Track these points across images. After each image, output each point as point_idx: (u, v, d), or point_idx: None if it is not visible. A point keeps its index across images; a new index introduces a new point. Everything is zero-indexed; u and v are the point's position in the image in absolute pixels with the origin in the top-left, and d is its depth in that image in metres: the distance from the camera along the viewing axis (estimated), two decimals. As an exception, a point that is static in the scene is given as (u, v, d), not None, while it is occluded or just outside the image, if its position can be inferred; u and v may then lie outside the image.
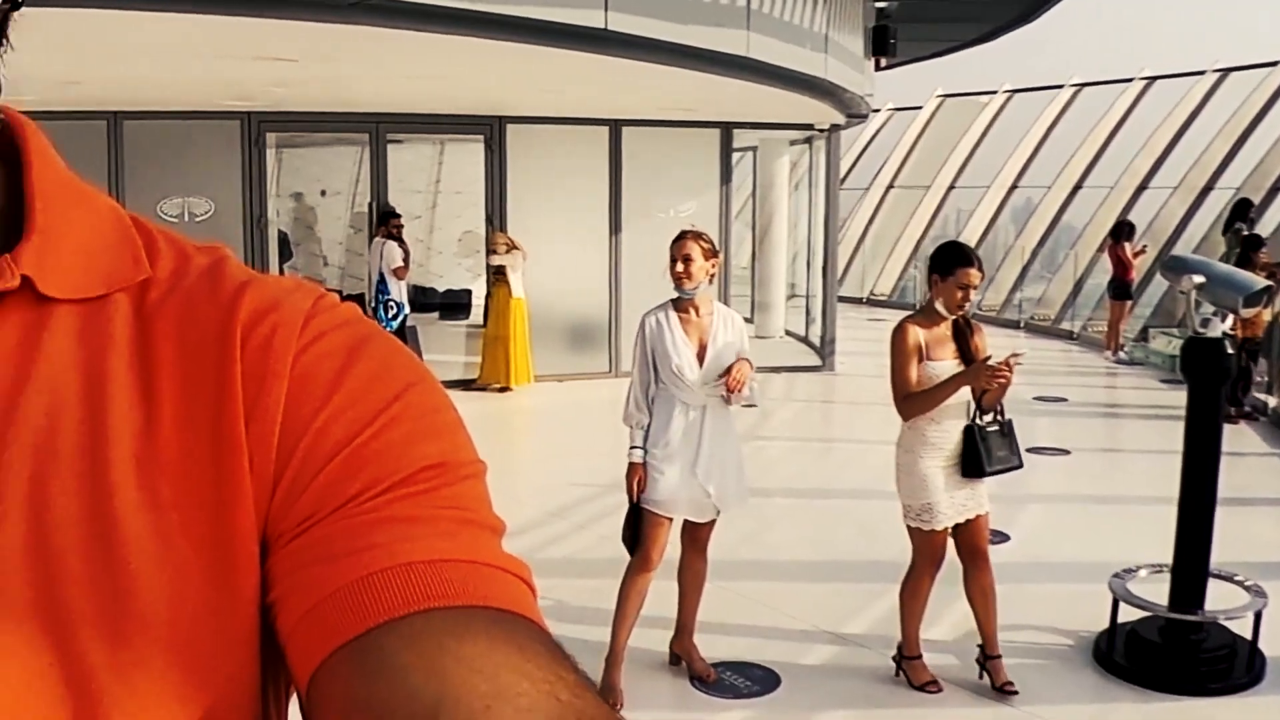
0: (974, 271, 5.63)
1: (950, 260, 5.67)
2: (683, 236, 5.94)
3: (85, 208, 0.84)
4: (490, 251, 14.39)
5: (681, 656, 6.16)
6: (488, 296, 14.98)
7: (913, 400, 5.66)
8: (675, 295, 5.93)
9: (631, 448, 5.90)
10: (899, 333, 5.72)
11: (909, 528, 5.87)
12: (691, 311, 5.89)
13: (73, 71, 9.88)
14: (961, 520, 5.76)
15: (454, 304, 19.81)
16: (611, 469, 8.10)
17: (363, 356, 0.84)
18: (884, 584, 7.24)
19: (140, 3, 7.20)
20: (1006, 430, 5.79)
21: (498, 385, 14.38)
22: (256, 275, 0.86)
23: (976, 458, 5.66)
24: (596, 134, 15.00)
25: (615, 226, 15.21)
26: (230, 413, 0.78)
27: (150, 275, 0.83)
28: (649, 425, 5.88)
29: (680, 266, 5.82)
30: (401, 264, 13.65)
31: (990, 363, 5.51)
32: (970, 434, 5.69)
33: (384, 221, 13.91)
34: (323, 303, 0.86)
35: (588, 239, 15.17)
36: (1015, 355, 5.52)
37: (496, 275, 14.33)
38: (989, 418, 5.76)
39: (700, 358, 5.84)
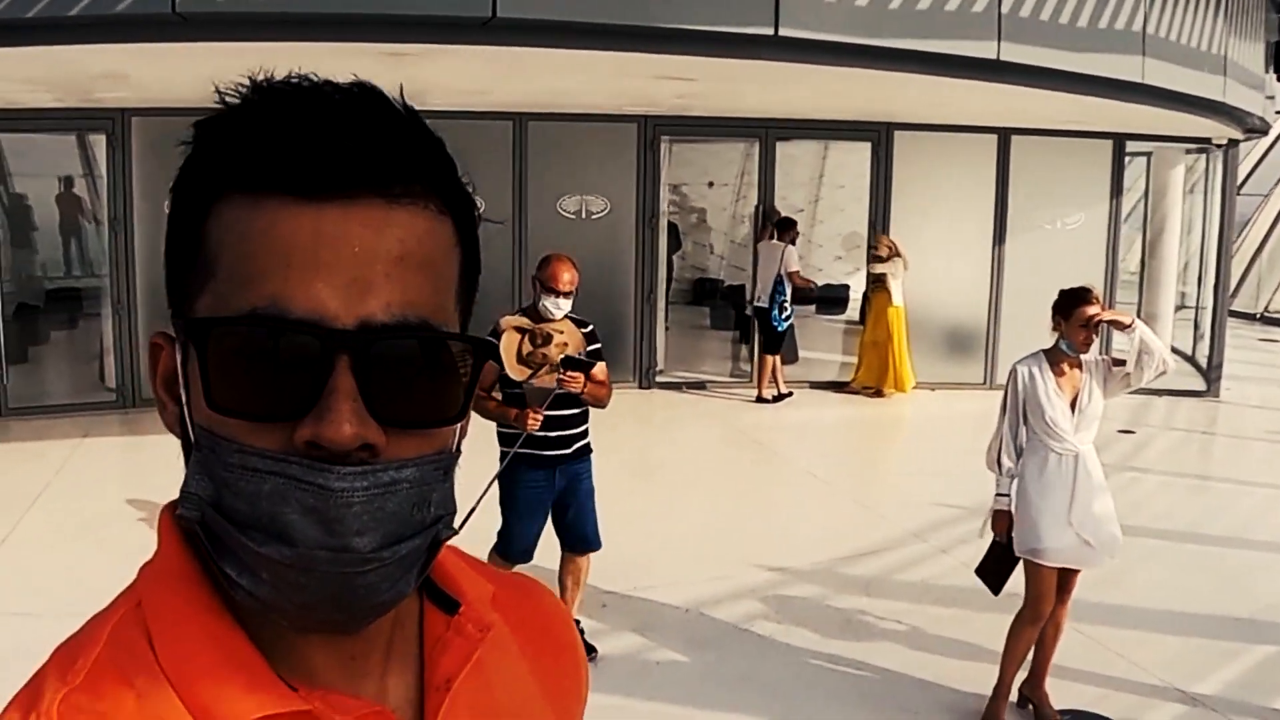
0: None
1: None
2: (1089, 298, 5.96)
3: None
4: (874, 258, 14.51)
5: (1031, 700, 6.27)
6: (865, 300, 15.14)
7: None
8: (1051, 346, 6.02)
9: (999, 495, 6.08)
10: None
11: None
12: (1065, 364, 5.99)
13: (483, 84, 10.65)
14: None
15: (832, 298, 20.03)
16: (977, 492, 8.20)
17: None
18: (1242, 643, 7.12)
19: (549, 39, 7.79)
20: None
21: (871, 390, 14.58)
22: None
23: None
24: (985, 142, 14.91)
25: (999, 236, 15.09)
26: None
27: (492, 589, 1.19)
28: (1017, 474, 6.03)
29: (1084, 334, 5.89)
30: (799, 268, 14.08)
31: None
32: None
33: (785, 228, 14.35)
34: None
35: (969, 247, 15.11)
36: None
37: (877, 281, 14.50)
38: None
39: (1073, 407, 5.94)
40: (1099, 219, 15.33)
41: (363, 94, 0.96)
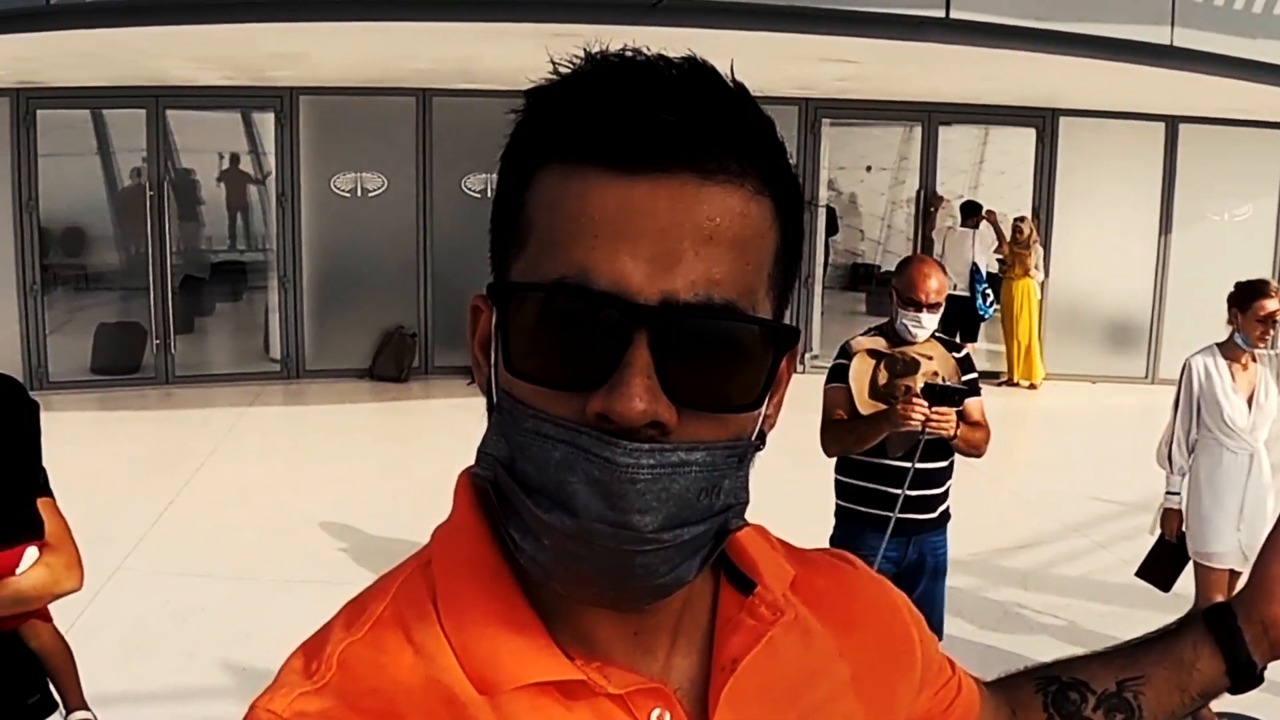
0: None
1: None
2: (1268, 291, 5.73)
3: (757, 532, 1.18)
4: (1016, 241, 14.24)
5: (1189, 700, 6.12)
6: (1010, 288, 14.74)
7: None
8: (1225, 340, 5.85)
9: (1169, 493, 5.91)
10: None
11: None
12: (1240, 359, 5.80)
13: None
14: None
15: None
16: (1136, 487, 8.03)
17: None
18: None
19: (716, 21, 7.79)
20: None
21: (1028, 382, 14.34)
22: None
23: None
24: (1152, 130, 14.49)
25: (1165, 227, 14.65)
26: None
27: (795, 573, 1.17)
28: (1189, 472, 5.87)
29: (1260, 329, 5.68)
30: (1000, 242, 14.29)
31: None
32: None
33: (970, 212, 14.40)
34: None
35: (1133, 238, 14.67)
36: None
37: (1018, 268, 14.26)
38: None
39: (1249, 404, 5.77)
40: (1268, 211, 14.83)
41: (691, 69, 0.95)
